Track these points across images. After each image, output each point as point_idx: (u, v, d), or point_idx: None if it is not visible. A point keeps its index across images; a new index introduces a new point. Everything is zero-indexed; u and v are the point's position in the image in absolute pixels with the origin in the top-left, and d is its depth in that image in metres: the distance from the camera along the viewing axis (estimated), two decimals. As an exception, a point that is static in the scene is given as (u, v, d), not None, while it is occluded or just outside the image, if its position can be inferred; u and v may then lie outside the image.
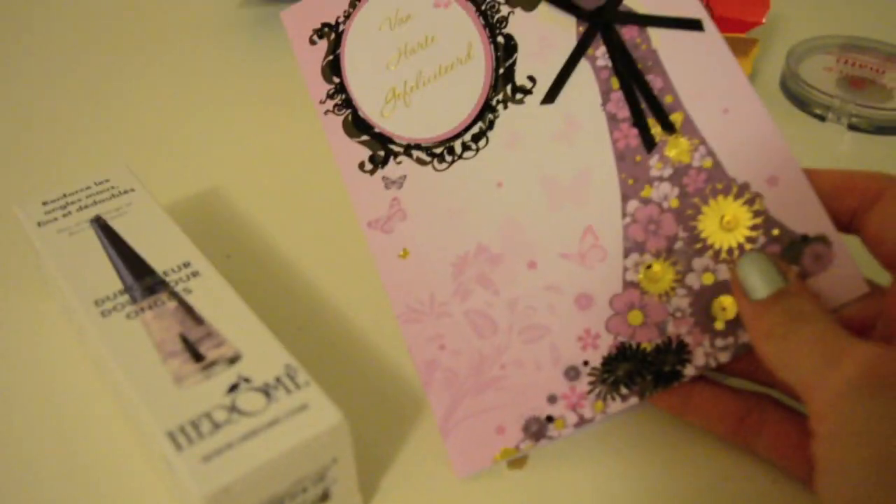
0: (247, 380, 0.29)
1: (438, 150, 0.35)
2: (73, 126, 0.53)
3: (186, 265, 0.34)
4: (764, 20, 0.50)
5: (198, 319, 0.32)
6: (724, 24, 0.50)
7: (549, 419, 0.32)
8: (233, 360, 0.30)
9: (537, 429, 0.32)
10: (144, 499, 0.32)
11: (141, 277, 0.33)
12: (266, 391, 0.29)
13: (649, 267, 0.32)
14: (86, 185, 0.38)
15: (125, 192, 0.38)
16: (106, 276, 0.34)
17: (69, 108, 0.54)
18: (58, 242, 0.35)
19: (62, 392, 0.36)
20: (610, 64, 0.34)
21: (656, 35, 0.33)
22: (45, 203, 0.37)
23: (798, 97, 0.53)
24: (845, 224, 0.31)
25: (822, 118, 0.52)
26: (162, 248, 0.35)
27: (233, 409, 0.28)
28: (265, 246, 0.43)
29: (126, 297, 0.33)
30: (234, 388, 0.29)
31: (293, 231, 0.44)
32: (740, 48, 0.50)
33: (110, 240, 0.35)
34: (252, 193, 0.46)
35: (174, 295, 0.33)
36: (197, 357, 0.30)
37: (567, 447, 0.33)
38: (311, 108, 0.37)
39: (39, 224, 0.36)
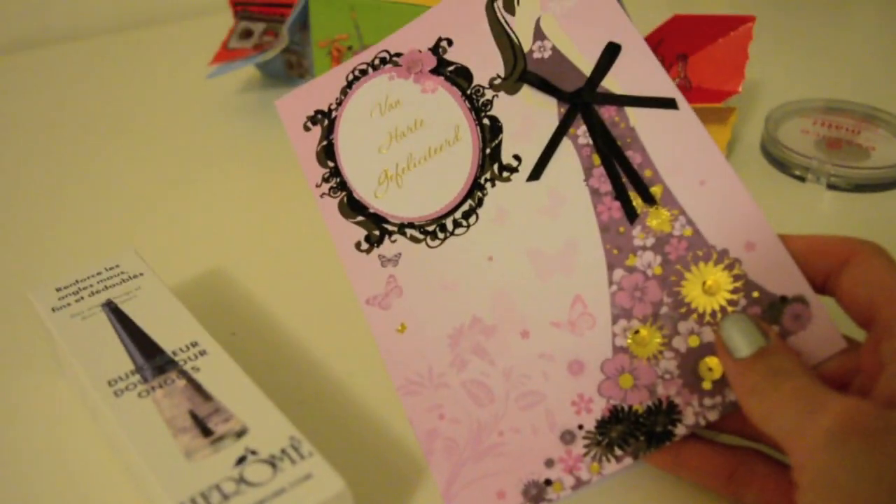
0: (253, 452, 0.31)
1: (431, 228, 0.36)
2: (81, 210, 0.55)
3: (194, 344, 0.36)
4: (740, 89, 0.52)
5: (206, 396, 0.33)
6: (702, 94, 0.52)
7: (548, 482, 0.33)
8: (240, 433, 0.32)
9: (536, 492, 0.33)
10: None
11: (151, 357, 0.35)
12: (272, 462, 0.30)
13: (637, 332, 0.33)
14: (97, 271, 0.40)
15: (134, 276, 0.40)
16: (118, 358, 0.35)
17: (75, 193, 0.57)
18: (71, 327, 0.37)
19: (77, 469, 0.37)
20: (591, 142, 0.35)
21: (633, 114, 0.35)
22: (58, 289, 0.39)
23: (778, 160, 0.55)
24: (819, 285, 0.32)
25: (801, 179, 0.54)
26: (171, 329, 0.36)
27: (241, 480, 0.30)
28: (268, 322, 0.45)
29: (137, 377, 0.34)
30: (241, 460, 0.31)
31: (294, 306, 0.45)
32: (719, 117, 0.52)
33: (121, 323, 0.37)
34: (254, 271, 0.48)
35: (183, 373, 0.34)
36: (206, 432, 0.32)
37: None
38: (308, 190, 0.38)
39: (53, 310, 0.38)
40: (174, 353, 0.35)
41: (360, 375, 0.41)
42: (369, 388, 0.40)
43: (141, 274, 0.40)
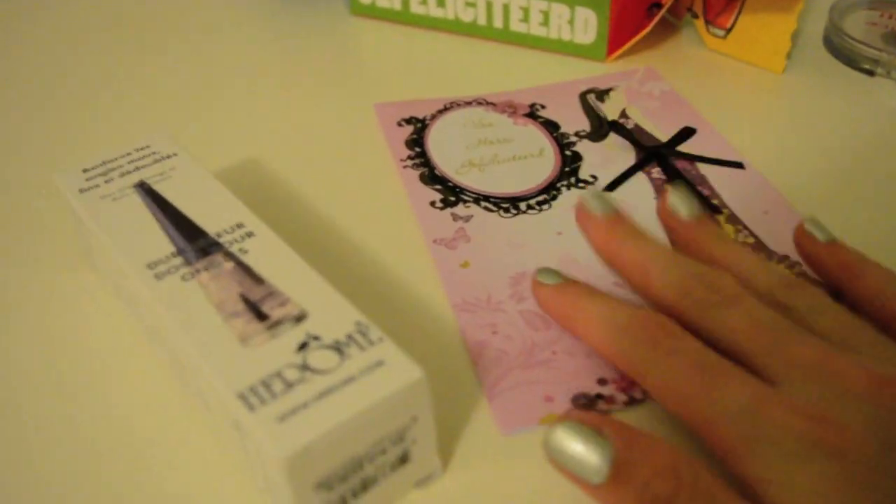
0: (316, 338, 0.28)
1: (505, 204, 0.41)
2: (103, 98, 0.51)
3: (240, 226, 0.32)
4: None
5: (257, 279, 0.30)
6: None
7: (599, 396, 0.32)
8: (299, 318, 0.28)
9: (586, 402, 0.31)
10: (209, 472, 0.30)
11: (193, 239, 0.32)
12: (338, 348, 0.27)
13: None
14: (126, 152, 0.37)
15: (167, 156, 0.36)
16: (156, 240, 0.32)
17: (100, 80, 0.53)
18: (102, 208, 0.34)
19: (114, 365, 0.34)
20: (664, 177, 0.42)
21: (703, 167, 0.42)
22: (85, 170, 0.36)
23: (843, 53, 0.52)
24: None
25: (870, 73, 0.51)
26: (212, 210, 0.33)
27: (304, 367, 0.27)
28: (306, 213, 0.41)
29: (179, 260, 0.31)
30: (303, 346, 0.27)
31: (331, 198, 0.42)
32: (783, 4, 0.48)
33: (157, 204, 0.34)
34: (287, 164, 0.45)
35: (230, 256, 0.31)
36: (260, 316, 0.28)
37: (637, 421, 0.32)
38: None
39: (81, 191, 0.35)
40: (218, 235, 0.32)
41: (406, 264, 0.38)
42: (418, 289, 0.37)
43: (174, 154, 0.36)
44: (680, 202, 0.33)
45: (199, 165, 0.35)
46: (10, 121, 0.50)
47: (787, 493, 0.23)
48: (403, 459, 0.28)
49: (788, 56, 0.51)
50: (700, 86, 0.50)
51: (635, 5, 0.52)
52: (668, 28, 0.56)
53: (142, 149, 0.37)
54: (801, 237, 0.33)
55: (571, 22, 0.52)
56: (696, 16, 0.54)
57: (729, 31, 0.52)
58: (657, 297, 0.30)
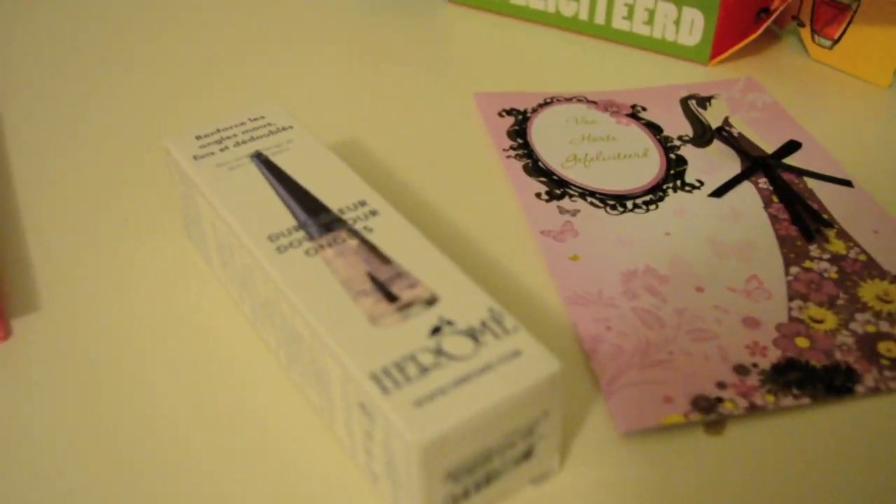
0: (449, 322, 0.27)
1: (611, 201, 0.40)
2: (200, 69, 0.51)
3: (363, 203, 0.31)
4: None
5: (384, 259, 0.29)
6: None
7: (719, 400, 0.30)
8: (430, 301, 0.28)
9: (707, 406, 0.30)
10: (312, 455, 0.29)
11: (315, 214, 0.31)
12: (472, 335, 0.26)
13: (813, 310, 0.34)
14: (240, 121, 0.36)
15: (283, 128, 0.35)
16: (276, 212, 0.31)
17: (198, 53, 0.52)
18: (218, 176, 0.33)
19: (220, 339, 0.33)
20: (771, 188, 0.41)
21: (810, 181, 0.41)
22: (198, 137, 0.35)
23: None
24: None
25: (982, 93, 0.49)
26: (332, 186, 0.32)
27: (439, 352, 0.26)
28: (409, 196, 0.40)
29: (302, 234, 0.30)
30: (436, 330, 0.27)
31: (433, 183, 0.41)
32: (906, 13, 0.47)
33: (275, 176, 0.33)
34: (387, 146, 0.44)
35: (354, 233, 0.30)
36: (390, 297, 0.28)
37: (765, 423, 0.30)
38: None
39: (195, 158, 0.34)
40: (341, 212, 0.31)
41: (514, 263, 0.37)
42: (526, 280, 0.36)
43: (290, 126, 0.36)
44: None
45: (316, 139, 0.35)
46: (107, 88, 0.50)
47: None
48: (528, 454, 0.27)
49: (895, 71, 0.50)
50: (803, 97, 0.49)
51: (744, 9, 0.50)
52: (768, 35, 0.55)
53: (256, 119, 0.36)
54: None
55: (678, 22, 0.51)
56: (802, 24, 0.53)
57: (836, 41, 0.51)
58: None
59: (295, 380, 0.31)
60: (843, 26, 0.50)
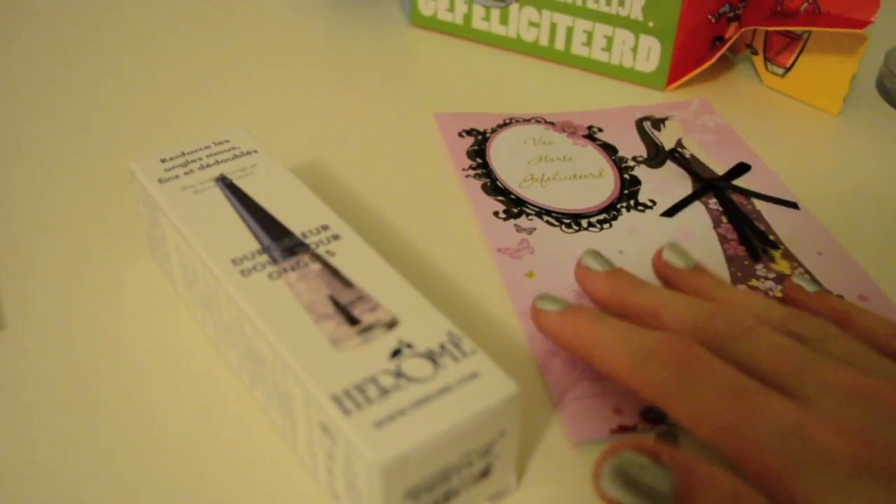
0: (409, 345, 0.28)
1: (567, 220, 0.41)
2: (175, 96, 0.51)
3: (325, 228, 0.32)
4: (874, 18, 0.48)
5: (346, 282, 0.30)
6: (831, 21, 0.49)
7: None
8: (390, 324, 0.28)
9: (655, 416, 0.31)
10: (274, 476, 0.30)
11: (279, 238, 0.32)
12: (431, 357, 0.27)
13: None
14: (205, 145, 0.36)
15: (248, 152, 0.36)
16: (240, 236, 0.32)
17: (167, 79, 0.53)
18: (182, 200, 0.33)
19: (173, 360, 0.34)
20: (720, 209, 0.42)
21: (758, 203, 0.43)
22: (163, 160, 0.36)
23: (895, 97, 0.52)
24: None
25: (924, 119, 0.51)
26: (295, 210, 0.33)
27: (399, 374, 0.27)
28: (368, 216, 0.41)
29: (265, 258, 0.31)
30: (396, 353, 0.27)
31: (392, 202, 0.42)
32: (846, 47, 0.49)
33: (239, 199, 0.33)
34: (347, 167, 0.45)
35: (316, 257, 0.31)
36: (352, 320, 0.28)
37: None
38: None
39: (160, 181, 0.34)
40: (303, 236, 0.32)
41: (472, 279, 0.38)
42: (482, 296, 0.37)
43: (254, 151, 0.36)
44: (675, 256, 0.34)
45: (280, 164, 0.35)
46: (74, 110, 0.50)
47: None
48: (485, 473, 0.28)
49: (844, 99, 0.52)
50: (754, 121, 0.50)
51: (699, 37, 0.52)
52: (723, 62, 0.57)
53: (221, 143, 0.37)
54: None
55: (635, 49, 0.52)
56: (755, 52, 0.54)
57: (788, 69, 0.53)
58: None
59: (258, 400, 0.31)
60: (795, 55, 0.52)
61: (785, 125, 0.50)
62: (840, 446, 0.24)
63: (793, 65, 0.52)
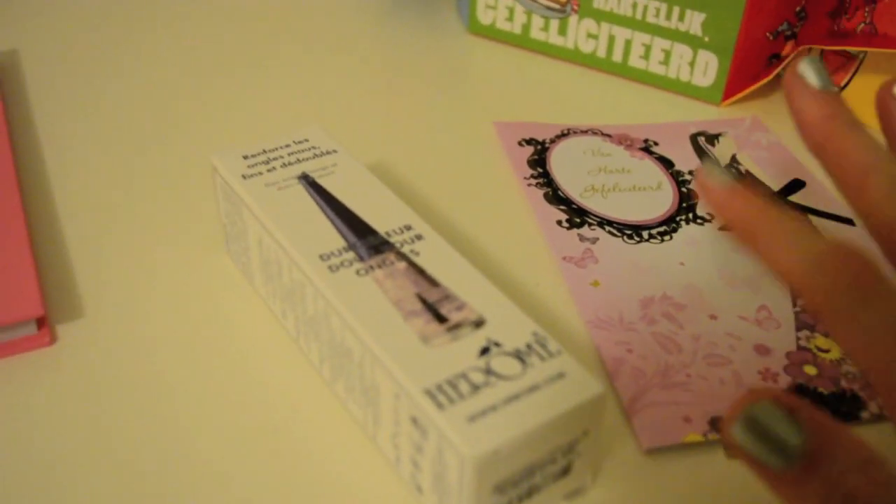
0: (497, 344, 0.28)
1: (628, 231, 0.42)
2: (239, 91, 0.52)
3: (408, 228, 0.33)
4: (930, 39, 0.49)
5: (432, 281, 0.31)
6: (890, 42, 0.49)
7: None
8: (478, 323, 0.29)
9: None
10: (365, 469, 0.30)
11: (364, 236, 0.32)
12: (519, 356, 0.28)
13: (820, 340, 0.36)
14: (285, 143, 0.37)
15: (328, 152, 0.37)
16: (326, 233, 0.33)
17: (229, 80, 0.54)
18: (267, 196, 0.34)
19: (249, 353, 0.35)
20: None
21: (814, 220, 0.44)
22: (245, 157, 0.37)
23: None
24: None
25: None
26: (378, 210, 0.34)
27: (489, 371, 0.27)
28: (435, 221, 0.42)
29: (352, 255, 0.32)
30: (485, 351, 0.28)
31: (457, 208, 0.43)
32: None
33: (323, 197, 0.34)
34: (411, 171, 0.46)
35: (402, 256, 0.32)
36: (440, 318, 0.29)
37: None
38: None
39: (244, 177, 0.35)
40: (388, 235, 0.33)
41: (538, 287, 0.38)
42: (549, 304, 0.38)
43: (334, 150, 0.37)
44: (811, 72, 0.27)
45: (360, 164, 0.36)
46: (143, 102, 0.51)
47: None
48: (566, 471, 0.28)
49: (899, 119, 0.52)
50: (813, 139, 0.51)
51: (757, 54, 0.53)
52: (774, 80, 0.57)
53: (300, 142, 0.37)
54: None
55: (692, 63, 0.53)
56: (809, 70, 0.55)
57: (842, 88, 0.53)
58: (870, 206, 0.26)
59: (338, 394, 0.32)
60: (850, 75, 0.53)
61: (839, 143, 0.51)
62: None
63: (847, 84, 0.53)
